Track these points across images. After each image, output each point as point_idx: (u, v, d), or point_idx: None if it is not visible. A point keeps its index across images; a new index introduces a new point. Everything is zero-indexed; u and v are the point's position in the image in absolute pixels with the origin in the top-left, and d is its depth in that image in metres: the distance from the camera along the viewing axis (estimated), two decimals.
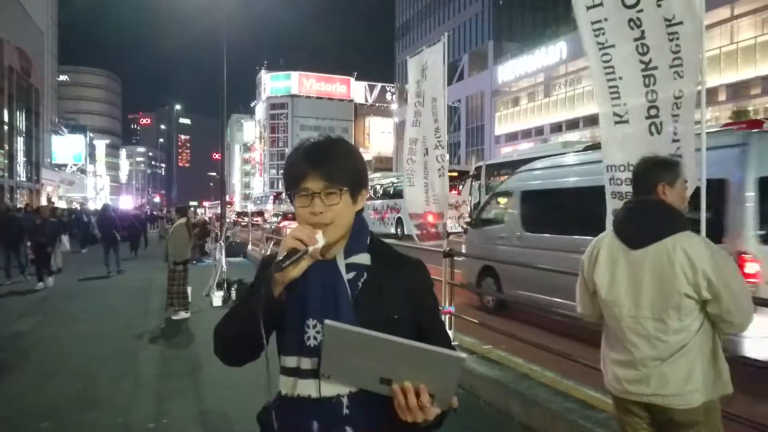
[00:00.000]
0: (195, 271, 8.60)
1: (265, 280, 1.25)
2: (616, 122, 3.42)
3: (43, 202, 39.47)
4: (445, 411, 1.17)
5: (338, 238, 1.30)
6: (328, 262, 1.30)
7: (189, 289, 8.37)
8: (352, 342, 1.13)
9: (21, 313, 8.58)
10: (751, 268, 4.33)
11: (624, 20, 3.23)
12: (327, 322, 1.13)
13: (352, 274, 1.29)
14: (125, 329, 7.41)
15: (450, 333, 5.30)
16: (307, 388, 1.26)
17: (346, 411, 1.24)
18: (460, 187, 21.54)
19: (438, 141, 6.20)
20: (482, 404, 4.41)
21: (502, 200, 8.15)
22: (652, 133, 3.24)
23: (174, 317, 7.98)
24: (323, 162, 1.26)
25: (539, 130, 40.91)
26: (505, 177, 18.45)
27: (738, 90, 26.57)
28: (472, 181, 20.24)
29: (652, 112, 3.24)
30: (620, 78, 3.34)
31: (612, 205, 3.49)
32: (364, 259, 1.32)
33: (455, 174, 21.26)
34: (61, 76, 75.43)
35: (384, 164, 75.40)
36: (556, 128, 38.27)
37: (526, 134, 42.34)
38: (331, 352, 1.15)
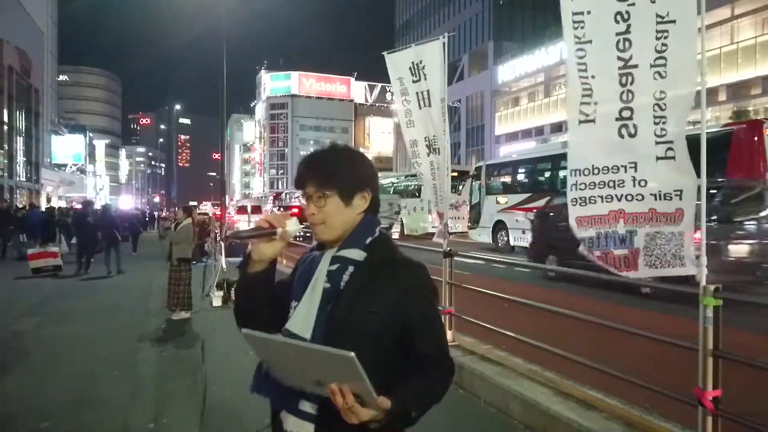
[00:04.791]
0: (195, 271, 8.59)
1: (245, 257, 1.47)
2: (581, 121, 3.26)
3: (43, 201, 39.44)
4: (396, 414, 1.19)
5: (333, 238, 1.43)
6: (321, 254, 1.45)
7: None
8: (267, 346, 1.21)
9: (21, 313, 8.57)
10: None
11: (610, 13, 3.09)
12: (243, 330, 1.22)
13: (335, 266, 1.39)
14: (126, 329, 7.41)
15: (450, 333, 5.30)
16: None
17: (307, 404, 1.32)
18: (461, 187, 21.56)
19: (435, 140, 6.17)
20: (482, 404, 4.41)
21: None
22: (622, 136, 3.14)
23: (174, 317, 7.97)
24: (315, 169, 1.43)
25: (539, 130, 40.95)
26: (505, 177, 18.60)
27: (738, 90, 26.59)
28: (472, 181, 20.27)
29: (625, 114, 3.12)
30: (592, 77, 3.21)
31: (575, 212, 3.32)
32: (354, 254, 1.40)
33: (455, 174, 21.29)
34: (61, 76, 75.41)
35: (384, 164, 75.42)
36: (556, 128, 38.28)
37: (526, 134, 42.36)
38: (263, 355, 1.24)
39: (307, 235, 11.36)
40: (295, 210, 34.40)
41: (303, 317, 1.36)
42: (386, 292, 1.34)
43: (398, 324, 1.34)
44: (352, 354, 1.10)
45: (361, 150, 1.65)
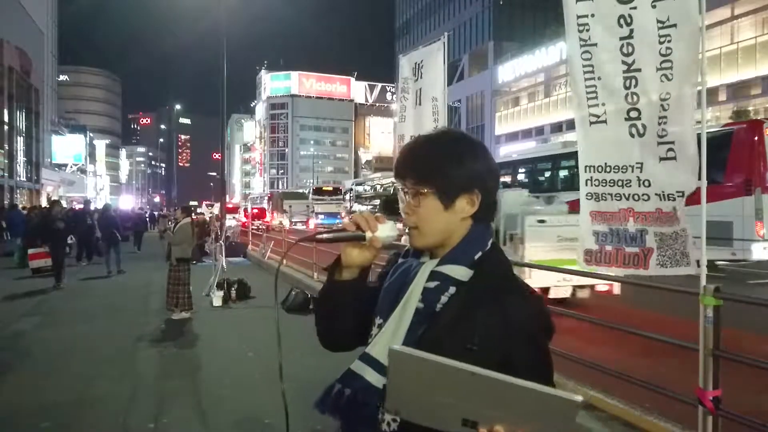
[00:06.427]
0: (195, 271, 8.59)
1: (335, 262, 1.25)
2: (592, 122, 3.41)
3: (44, 202, 39.43)
4: None
5: (427, 246, 1.18)
6: (418, 264, 1.19)
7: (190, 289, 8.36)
8: (423, 371, 0.93)
9: (21, 313, 8.57)
10: None
11: (614, 17, 3.15)
12: (392, 347, 0.94)
13: (434, 284, 1.13)
14: (125, 329, 7.40)
15: None
16: (368, 375, 1.15)
17: (386, 428, 1.11)
18: None
19: None
20: None
21: None
22: (632, 135, 3.23)
23: (174, 317, 7.96)
24: (413, 159, 1.18)
25: (539, 130, 40.95)
26: (506, 177, 18.61)
27: (738, 90, 26.60)
28: None
29: (633, 114, 3.21)
30: (599, 78, 3.31)
31: (587, 206, 3.47)
32: (457, 272, 1.13)
33: None
34: (61, 76, 75.38)
35: (384, 164, 75.40)
36: (557, 128, 38.27)
37: (527, 134, 42.37)
38: (398, 382, 0.96)
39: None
40: (256, 211, 36.97)
41: (387, 341, 1.11)
42: (488, 326, 1.07)
43: (497, 364, 0.99)
44: (580, 398, 0.85)
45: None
